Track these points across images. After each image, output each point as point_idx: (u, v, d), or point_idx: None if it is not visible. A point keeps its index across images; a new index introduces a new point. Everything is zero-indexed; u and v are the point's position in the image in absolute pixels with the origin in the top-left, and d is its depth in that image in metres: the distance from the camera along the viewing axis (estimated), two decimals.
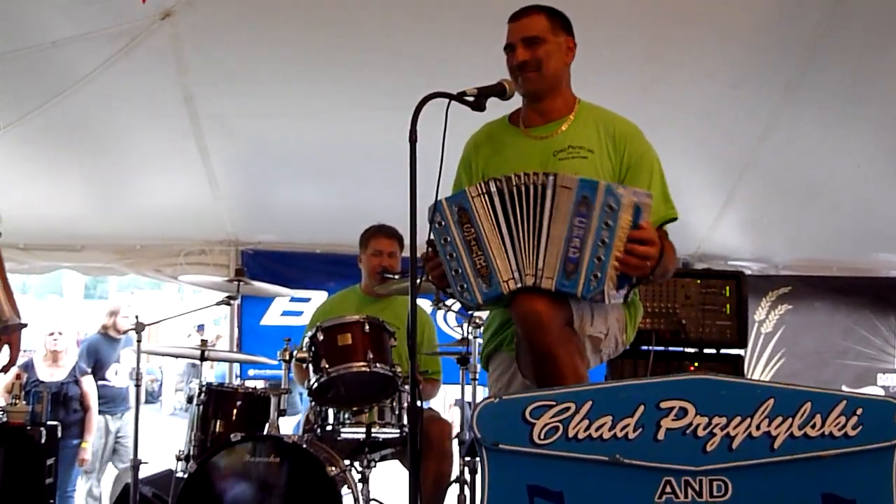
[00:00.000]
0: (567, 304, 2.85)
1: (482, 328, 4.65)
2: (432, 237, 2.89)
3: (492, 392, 3.37)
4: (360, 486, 4.31)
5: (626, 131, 3.13)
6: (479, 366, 4.57)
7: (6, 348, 3.46)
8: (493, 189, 2.86)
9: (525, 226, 2.84)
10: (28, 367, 6.65)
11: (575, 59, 3.23)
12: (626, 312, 3.14)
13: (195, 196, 6.51)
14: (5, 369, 3.61)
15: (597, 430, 2.43)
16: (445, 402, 9.89)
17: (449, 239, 2.88)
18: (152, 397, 18.23)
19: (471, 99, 2.97)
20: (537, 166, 2.97)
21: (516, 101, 3.20)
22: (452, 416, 8.42)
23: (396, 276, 4.80)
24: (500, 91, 3.02)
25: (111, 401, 7.06)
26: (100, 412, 6.90)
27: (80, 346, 7.24)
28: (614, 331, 3.06)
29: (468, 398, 4.71)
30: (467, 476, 4.43)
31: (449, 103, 2.93)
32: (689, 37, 5.30)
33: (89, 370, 6.85)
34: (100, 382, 6.95)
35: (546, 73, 3.12)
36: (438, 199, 2.89)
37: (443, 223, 2.88)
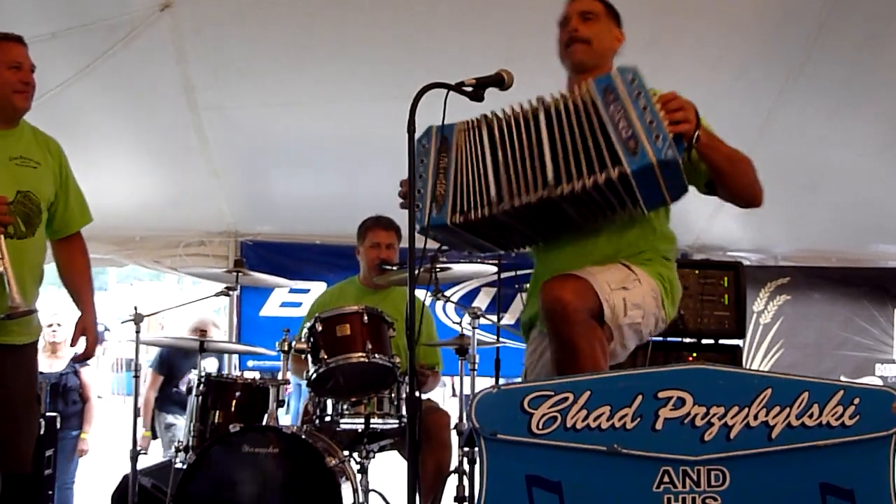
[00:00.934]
0: (594, 296, 2.85)
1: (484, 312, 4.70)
2: (414, 156, 2.95)
3: (526, 363, 3.34)
4: (358, 476, 4.32)
5: None
6: (477, 357, 4.58)
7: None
8: (483, 123, 2.99)
9: (521, 151, 2.90)
10: None
11: None
12: (661, 286, 3.08)
13: (195, 187, 6.51)
14: (83, 357, 3.88)
15: (595, 419, 2.44)
16: (444, 393, 9.91)
17: (424, 161, 3.03)
18: None
19: (469, 89, 2.98)
20: None
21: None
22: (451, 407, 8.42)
23: (395, 267, 4.80)
24: (498, 81, 3.01)
25: (180, 406, 7.03)
26: (166, 411, 6.91)
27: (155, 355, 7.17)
28: (651, 308, 3.02)
29: (466, 389, 4.72)
30: (466, 466, 4.43)
31: (447, 94, 2.93)
32: (691, 27, 5.29)
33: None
34: (173, 389, 6.94)
35: (595, 49, 3.20)
36: (430, 125, 3.03)
37: (426, 146, 3.05)
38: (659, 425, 2.44)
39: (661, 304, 3.08)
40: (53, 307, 6.63)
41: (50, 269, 3.85)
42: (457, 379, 4.99)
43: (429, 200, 2.98)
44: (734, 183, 3.05)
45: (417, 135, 2.92)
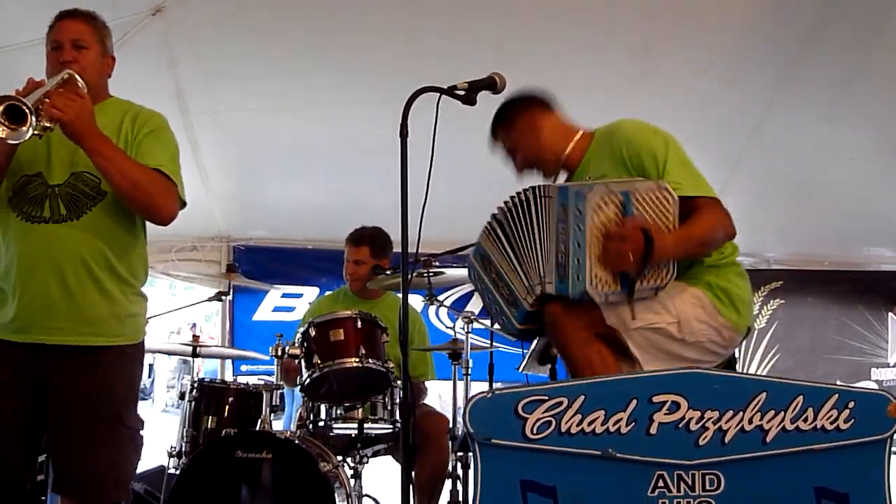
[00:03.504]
0: (590, 304, 2.87)
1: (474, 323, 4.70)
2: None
3: None
4: (352, 482, 4.31)
5: (622, 138, 3.12)
6: (471, 361, 4.57)
7: None
8: (494, 222, 3.06)
9: (523, 241, 2.97)
10: None
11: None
12: (709, 294, 3.04)
13: (186, 191, 6.43)
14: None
15: (589, 424, 2.44)
16: (441, 398, 9.91)
17: (481, 287, 3.15)
18: (144, 394, 18.20)
19: (461, 93, 2.97)
20: None
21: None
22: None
23: (388, 273, 4.79)
24: (490, 84, 3.02)
25: None
26: None
27: None
28: (693, 314, 2.98)
29: (460, 394, 4.71)
30: (460, 471, 4.42)
31: (440, 97, 2.92)
32: (681, 31, 5.29)
33: None
34: None
35: (529, 158, 3.31)
36: (469, 256, 3.18)
37: (475, 275, 3.17)
38: (653, 430, 2.44)
39: (715, 311, 3.02)
40: None
41: None
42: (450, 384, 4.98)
43: (506, 308, 3.07)
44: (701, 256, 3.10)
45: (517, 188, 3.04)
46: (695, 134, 5.93)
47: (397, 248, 4.99)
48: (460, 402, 4.54)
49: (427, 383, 5.25)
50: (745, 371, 6.77)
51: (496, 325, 4.39)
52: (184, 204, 3.31)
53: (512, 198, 3.01)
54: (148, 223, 3.40)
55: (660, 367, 2.89)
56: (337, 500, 3.98)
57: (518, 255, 2.98)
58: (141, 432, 3.24)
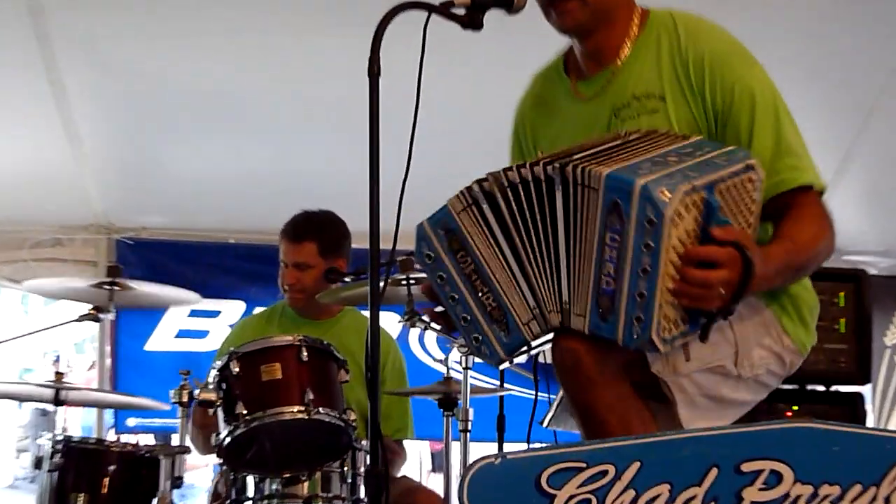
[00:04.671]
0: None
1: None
2: (425, 275, 2.96)
3: None
4: None
5: (706, 53, 3.06)
6: (470, 411, 4.58)
7: None
8: (480, 195, 2.87)
9: (533, 242, 2.86)
10: None
11: None
12: (774, 306, 3.10)
13: (46, 157, 6.49)
14: None
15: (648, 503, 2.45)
16: (422, 466, 9.96)
17: (445, 276, 2.93)
18: None
19: (461, 12, 2.96)
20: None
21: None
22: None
23: (348, 279, 4.80)
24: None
25: None
26: None
27: None
28: (754, 338, 3.05)
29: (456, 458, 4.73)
30: None
31: (427, 18, 2.92)
32: None
33: None
34: None
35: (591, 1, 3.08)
36: (419, 222, 2.92)
37: (431, 255, 2.93)
38: None
39: (781, 330, 3.10)
40: None
41: None
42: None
43: (485, 325, 2.93)
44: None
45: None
46: (810, 72, 5.93)
47: (361, 243, 5.03)
48: (456, 472, 4.55)
49: (406, 443, 5.27)
50: (880, 423, 6.79)
51: (460, 342, 4.25)
52: None
53: (520, 169, 2.84)
54: None
55: (706, 423, 2.89)
56: None
57: (520, 258, 2.88)
58: None
